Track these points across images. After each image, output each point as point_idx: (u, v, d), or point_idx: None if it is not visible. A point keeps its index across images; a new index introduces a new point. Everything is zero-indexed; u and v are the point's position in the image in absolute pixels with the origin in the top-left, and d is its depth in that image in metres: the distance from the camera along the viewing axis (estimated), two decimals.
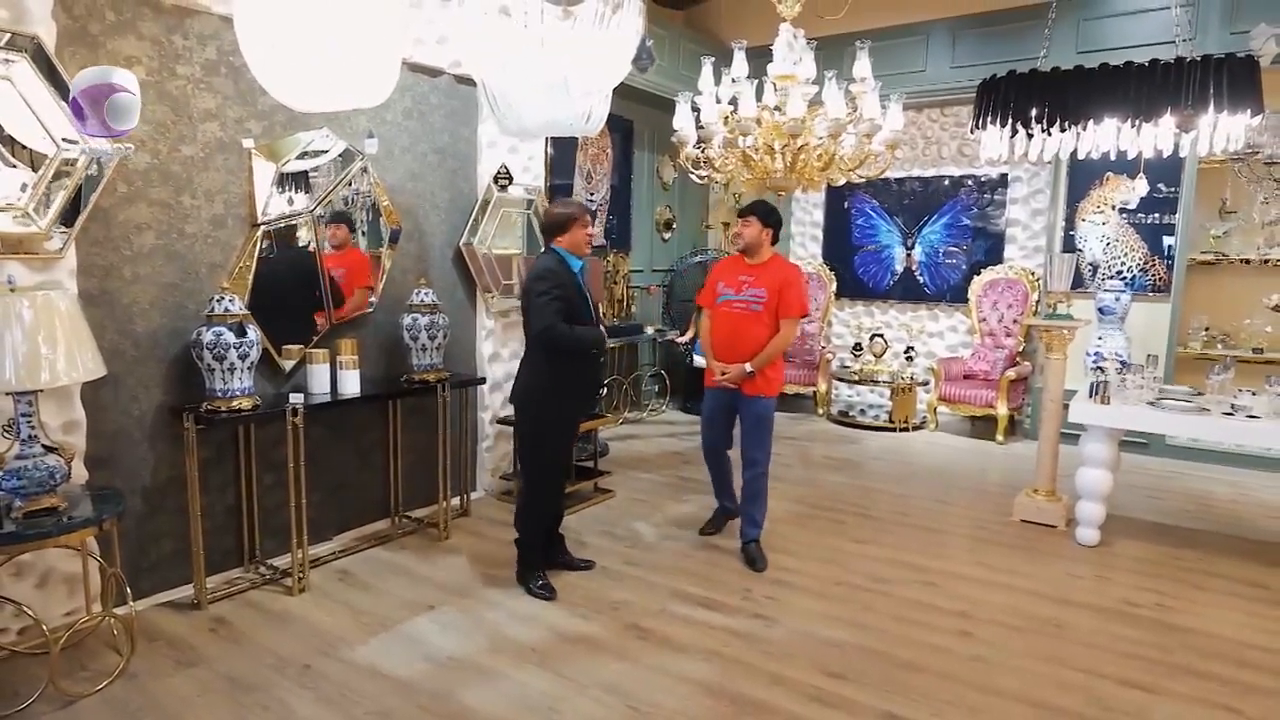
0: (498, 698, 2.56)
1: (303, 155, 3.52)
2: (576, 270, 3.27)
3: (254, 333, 3.13)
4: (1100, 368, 4.15)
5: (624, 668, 2.75)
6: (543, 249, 3.38)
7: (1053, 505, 4.28)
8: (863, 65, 4.63)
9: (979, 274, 6.77)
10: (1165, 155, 3.45)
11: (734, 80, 4.57)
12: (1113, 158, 3.52)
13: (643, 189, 7.22)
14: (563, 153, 6.18)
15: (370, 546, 3.82)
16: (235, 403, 3.09)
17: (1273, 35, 2.46)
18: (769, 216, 3.66)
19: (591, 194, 6.55)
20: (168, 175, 3.09)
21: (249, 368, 3.13)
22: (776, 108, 4.48)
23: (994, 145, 3.52)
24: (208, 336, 3.02)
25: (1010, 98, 3.23)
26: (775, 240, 3.76)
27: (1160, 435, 5.32)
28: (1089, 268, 6.37)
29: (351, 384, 3.56)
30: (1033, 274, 6.48)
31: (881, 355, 6.85)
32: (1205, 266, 5.74)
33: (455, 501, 4.30)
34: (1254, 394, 3.84)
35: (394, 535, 3.97)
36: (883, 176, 7.14)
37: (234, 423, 3.18)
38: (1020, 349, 6.49)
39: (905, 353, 6.90)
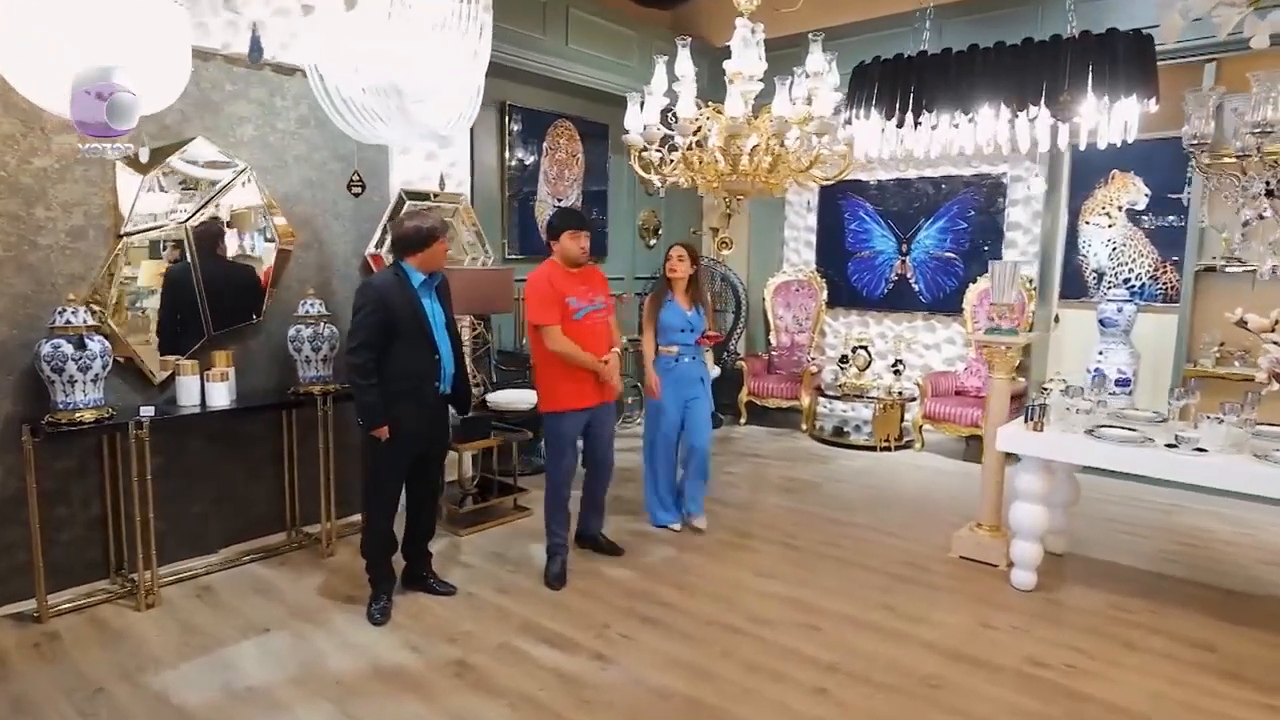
0: None
1: (175, 165, 3.49)
2: (416, 286, 3.11)
3: (97, 345, 3.10)
4: (1045, 388, 3.69)
5: (419, 709, 2.56)
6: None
7: (995, 541, 3.83)
8: (816, 59, 4.29)
9: (975, 281, 6.24)
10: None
11: (678, 78, 4.37)
12: (1005, 151, 3.09)
13: (621, 194, 7.00)
14: (527, 155, 6.06)
15: (254, 560, 3.76)
16: (77, 415, 3.08)
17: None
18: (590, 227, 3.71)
19: (559, 200, 6.39)
20: (17, 188, 3.10)
21: (93, 380, 3.11)
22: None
23: (867, 140, 3.15)
24: (45, 349, 3.01)
25: (875, 87, 2.87)
26: None
27: None
28: (1093, 275, 5.78)
29: (220, 396, 3.51)
30: (1030, 281, 5.91)
31: (865, 369, 6.41)
32: (1221, 274, 5.09)
33: (358, 516, 4.21)
34: (1221, 421, 3.32)
35: (284, 549, 3.90)
36: (878, 178, 6.79)
37: (74, 436, 3.15)
38: (1017, 363, 5.91)
39: (893, 366, 6.43)
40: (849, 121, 3.16)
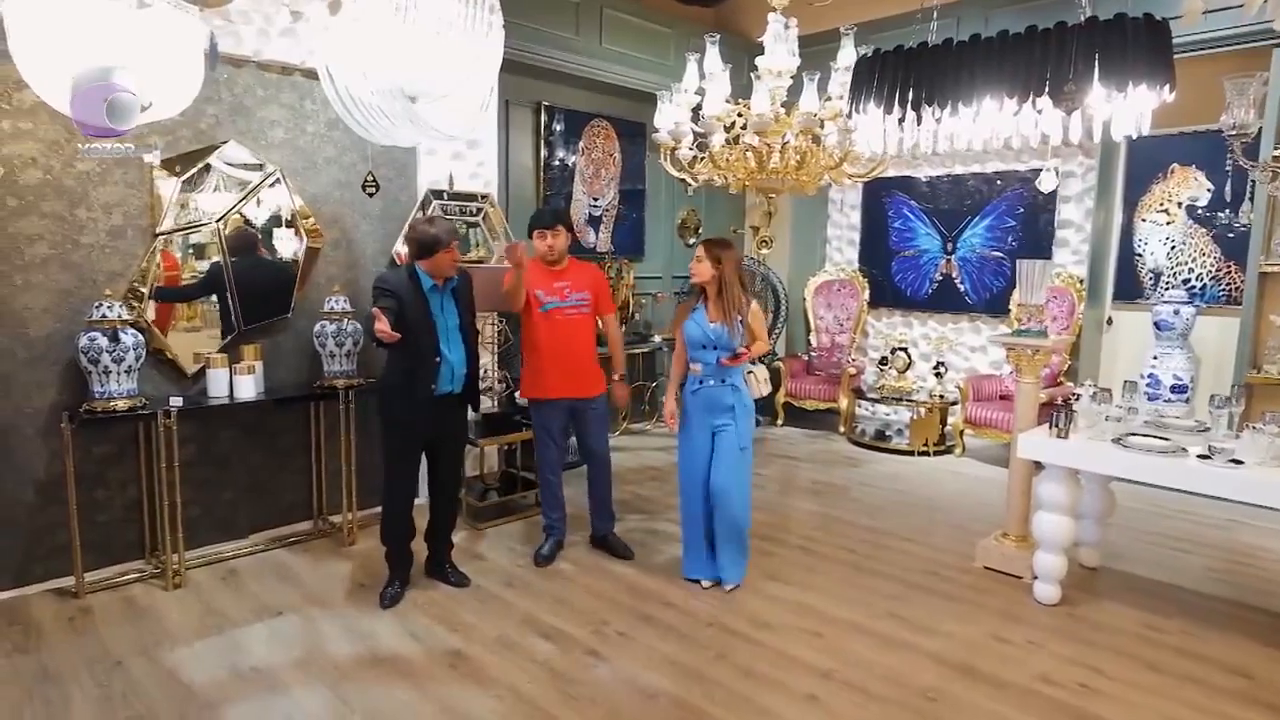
0: (259, 716, 2.51)
1: (208, 168, 3.66)
2: (427, 289, 3.20)
3: (130, 338, 3.29)
4: (1076, 393, 3.51)
5: (408, 697, 2.62)
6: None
7: (1021, 552, 3.66)
8: (848, 53, 4.22)
9: None
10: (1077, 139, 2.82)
11: (705, 75, 4.35)
12: (1015, 145, 2.93)
13: (660, 193, 6.98)
14: (565, 155, 6.11)
15: (280, 547, 3.92)
16: (112, 404, 3.27)
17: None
18: (569, 222, 3.83)
19: (596, 199, 6.43)
20: (61, 190, 3.31)
21: (126, 371, 3.29)
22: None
23: (870, 135, 3.04)
24: (83, 341, 3.21)
25: (875, 79, 2.76)
26: None
27: None
28: (1149, 275, 5.47)
29: (246, 389, 3.66)
30: (1080, 281, 5.63)
31: (904, 371, 6.22)
32: None
33: (379, 508, 4.31)
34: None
35: (309, 537, 4.05)
36: (927, 174, 6.58)
37: (110, 423, 3.35)
38: (1065, 367, 5.66)
39: (935, 369, 6.23)
40: (849, 116, 3.08)
